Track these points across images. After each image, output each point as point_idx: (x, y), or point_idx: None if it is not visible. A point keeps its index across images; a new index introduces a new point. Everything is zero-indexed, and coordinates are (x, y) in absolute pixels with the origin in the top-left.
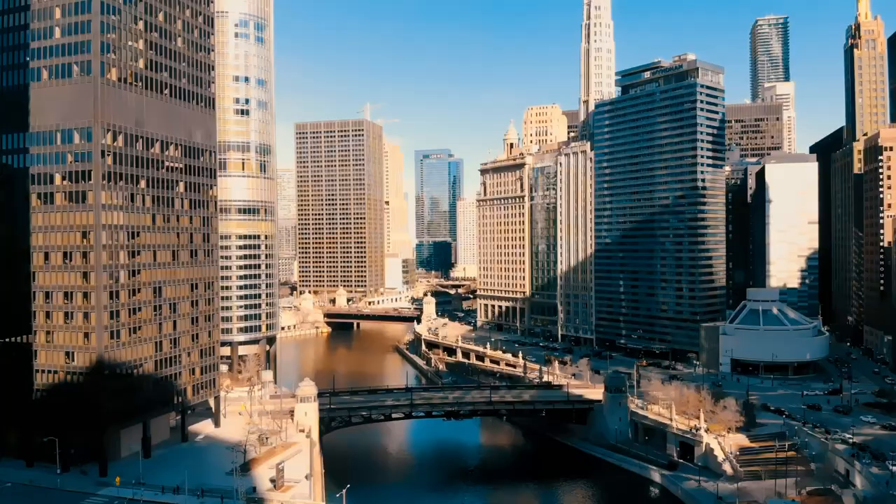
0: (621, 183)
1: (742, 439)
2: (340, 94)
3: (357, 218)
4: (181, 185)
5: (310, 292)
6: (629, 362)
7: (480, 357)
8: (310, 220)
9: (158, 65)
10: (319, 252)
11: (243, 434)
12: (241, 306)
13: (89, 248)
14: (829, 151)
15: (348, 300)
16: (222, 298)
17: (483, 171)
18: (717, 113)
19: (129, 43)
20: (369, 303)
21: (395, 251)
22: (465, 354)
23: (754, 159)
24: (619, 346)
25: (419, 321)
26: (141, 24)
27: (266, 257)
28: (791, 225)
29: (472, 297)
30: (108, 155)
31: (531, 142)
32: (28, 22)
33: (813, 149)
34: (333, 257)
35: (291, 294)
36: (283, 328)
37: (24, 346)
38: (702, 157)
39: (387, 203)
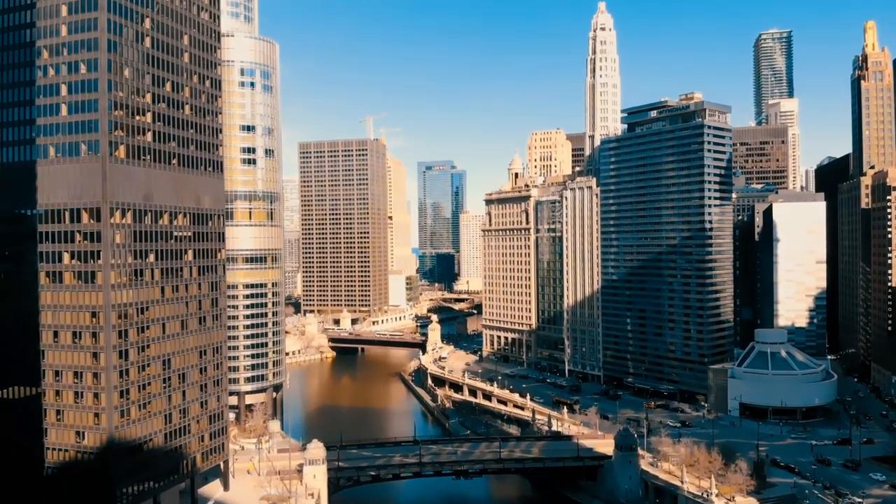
0: (627, 220)
1: (753, 503)
2: (341, 102)
3: (361, 236)
4: (189, 253)
5: (314, 311)
6: (637, 403)
7: (487, 396)
8: (314, 239)
9: (166, 135)
10: (323, 270)
11: (253, 498)
12: (247, 356)
13: (99, 329)
14: (835, 176)
15: (353, 321)
16: (229, 348)
17: (488, 202)
18: (724, 153)
19: (137, 117)
20: (373, 322)
21: (398, 267)
22: (472, 392)
23: (760, 185)
24: (627, 385)
25: (424, 349)
26: (148, 97)
27: (273, 304)
28: (799, 264)
29: (475, 312)
30: (118, 233)
31: (535, 167)
32: (34, 97)
33: (818, 172)
34: (337, 275)
35: (296, 313)
36: (287, 353)
37: (35, 422)
38: (709, 198)
39: (390, 218)
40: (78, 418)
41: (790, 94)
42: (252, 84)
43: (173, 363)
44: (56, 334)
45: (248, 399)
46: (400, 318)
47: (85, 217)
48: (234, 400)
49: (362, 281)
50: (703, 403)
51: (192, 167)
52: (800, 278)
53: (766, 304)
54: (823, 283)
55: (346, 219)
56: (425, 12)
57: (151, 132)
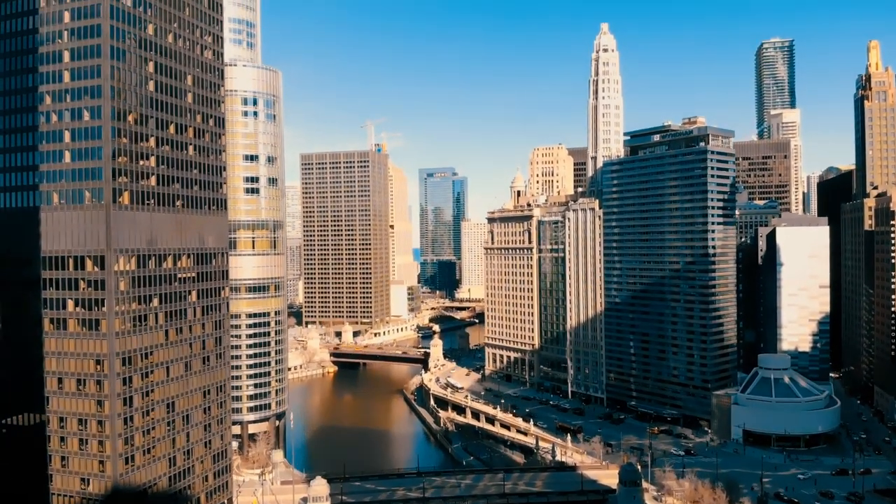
0: (630, 243)
1: None
2: (342, 107)
3: (363, 247)
4: (193, 293)
5: (316, 322)
6: (640, 427)
7: (490, 420)
8: (315, 250)
9: (170, 178)
10: (325, 281)
11: None
12: (250, 385)
13: (103, 377)
14: (838, 192)
15: (354, 333)
16: (232, 378)
17: (490, 220)
18: (727, 178)
19: (141, 162)
20: (375, 334)
21: (400, 277)
22: (475, 415)
23: (762, 201)
24: (630, 409)
25: (426, 366)
26: (152, 142)
27: (276, 333)
28: (802, 289)
29: (477, 322)
30: (122, 280)
31: (537, 182)
32: (37, 143)
33: (821, 187)
34: (339, 286)
35: (297, 324)
36: (289, 368)
37: (40, 468)
38: (712, 223)
39: (391, 227)
40: (83, 465)
41: (792, 104)
42: (255, 113)
43: (177, 405)
44: (60, 381)
45: (251, 428)
46: (401, 329)
47: (89, 264)
48: (237, 429)
49: (364, 291)
50: (706, 429)
51: (196, 207)
52: (803, 303)
53: (770, 327)
54: (827, 308)
55: (348, 229)
56: (425, 18)
57: (155, 176)
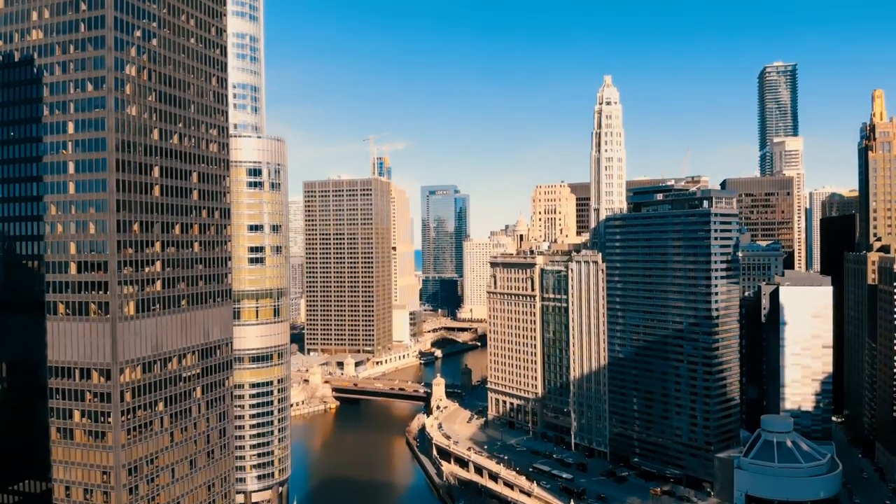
0: (633, 300)
1: None
2: (345, 119)
3: (365, 273)
4: (198, 390)
5: (318, 350)
6: (643, 488)
7: (494, 476)
8: (317, 276)
9: (176, 279)
10: (327, 306)
11: None
12: (253, 455)
13: (110, 489)
14: (840, 234)
15: (357, 363)
16: (235, 448)
17: (493, 264)
18: (730, 238)
19: (147, 269)
20: (377, 363)
21: (402, 299)
22: (478, 470)
23: (765, 242)
24: (634, 465)
25: (427, 405)
26: (158, 246)
27: (279, 402)
28: (805, 349)
29: (479, 345)
30: (128, 391)
31: (540, 219)
32: (42, 252)
33: (824, 224)
34: (341, 312)
35: (300, 350)
36: (291, 405)
37: None
38: (716, 285)
39: (394, 249)
40: None
41: (795, 130)
42: (260, 184)
43: None
44: (68, 489)
45: (255, 497)
46: (404, 357)
47: (95, 376)
48: (240, 498)
49: (366, 318)
50: (709, 490)
51: (201, 303)
52: (806, 362)
53: (773, 385)
54: (829, 368)
55: (351, 256)
56: (431, 36)
57: (161, 280)
